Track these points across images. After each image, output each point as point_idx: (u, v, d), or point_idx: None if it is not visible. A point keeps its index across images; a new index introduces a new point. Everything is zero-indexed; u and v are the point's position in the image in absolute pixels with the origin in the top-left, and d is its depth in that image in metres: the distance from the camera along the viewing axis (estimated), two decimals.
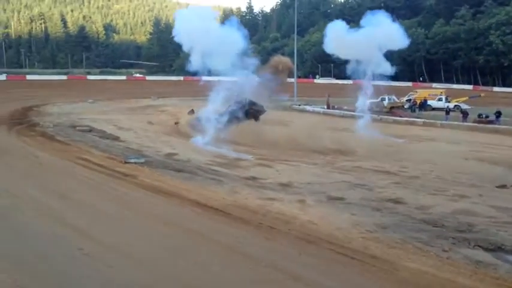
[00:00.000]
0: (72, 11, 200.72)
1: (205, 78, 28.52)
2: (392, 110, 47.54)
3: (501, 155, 25.09)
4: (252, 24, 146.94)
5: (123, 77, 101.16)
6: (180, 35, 26.05)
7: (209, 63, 24.93)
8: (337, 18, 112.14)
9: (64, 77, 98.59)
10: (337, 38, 32.01)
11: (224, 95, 26.76)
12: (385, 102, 48.88)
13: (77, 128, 31.14)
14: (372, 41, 29.94)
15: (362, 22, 30.99)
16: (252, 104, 27.65)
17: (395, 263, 10.00)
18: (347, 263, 10.04)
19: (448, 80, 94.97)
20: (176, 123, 34.76)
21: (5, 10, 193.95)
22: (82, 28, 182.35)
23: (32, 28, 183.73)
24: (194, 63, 25.42)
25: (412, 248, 10.88)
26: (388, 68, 30.63)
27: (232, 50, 24.88)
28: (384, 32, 29.95)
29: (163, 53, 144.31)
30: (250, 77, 26.18)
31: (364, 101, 35.80)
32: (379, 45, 30.40)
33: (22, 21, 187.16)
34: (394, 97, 51.18)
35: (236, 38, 25.26)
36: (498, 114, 39.15)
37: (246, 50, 25.74)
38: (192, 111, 36.32)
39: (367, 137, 29.94)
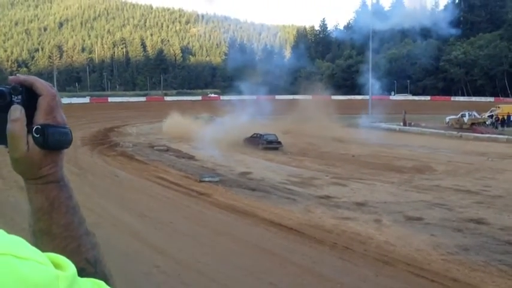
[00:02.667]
0: (151, 35, 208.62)
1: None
2: (473, 126, 45.68)
3: None
4: (326, 43, 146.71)
5: (199, 97, 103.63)
6: None
7: None
8: (413, 34, 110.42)
9: (143, 99, 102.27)
10: None
11: None
12: (466, 119, 47.08)
13: (155, 147, 32.14)
14: None
15: None
16: None
17: (479, 287, 9.47)
18: (427, 286, 9.62)
19: None
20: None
21: (89, 36, 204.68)
22: (160, 51, 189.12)
23: (114, 53, 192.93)
24: None
25: (497, 271, 10.29)
26: None
27: None
28: None
29: (236, 73, 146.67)
30: None
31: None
32: None
33: (105, 46, 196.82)
34: (475, 113, 49.22)
35: None
36: None
37: None
38: None
39: (446, 154, 28.87)
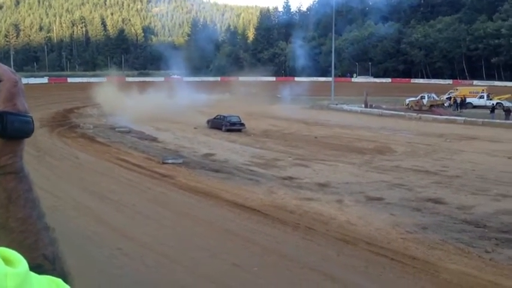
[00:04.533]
0: (112, 14, 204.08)
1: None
2: (432, 108, 46.63)
3: None
4: (289, 24, 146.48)
5: (162, 78, 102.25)
6: None
7: None
8: (374, 16, 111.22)
9: (103, 79, 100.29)
10: None
11: None
12: (425, 101, 48.00)
13: (116, 129, 31.64)
14: None
15: None
16: None
17: (436, 265, 9.77)
18: (386, 264, 9.87)
19: (490, 77, 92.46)
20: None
21: (47, 15, 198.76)
22: (121, 31, 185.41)
23: (73, 32, 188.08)
24: None
25: (454, 249, 10.63)
26: None
27: None
28: None
29: (200, 54, 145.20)
30: None
31: None
32: None
33: (64, 25, 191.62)
34: (434, 95, 50.22)
35: None
36: None
37: None
38: None
39: (406, 136, 29.45)
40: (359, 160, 22.43)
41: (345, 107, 51.53)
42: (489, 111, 41.50)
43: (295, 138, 28.99)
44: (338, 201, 14.75)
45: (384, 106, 49.04)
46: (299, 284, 9.24)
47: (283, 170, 20.03)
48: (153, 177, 18.07)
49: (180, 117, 36.03)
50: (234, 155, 23.22)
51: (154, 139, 28.13)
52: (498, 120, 37.97)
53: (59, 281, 0.85)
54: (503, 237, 11.32)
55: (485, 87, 57.02)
